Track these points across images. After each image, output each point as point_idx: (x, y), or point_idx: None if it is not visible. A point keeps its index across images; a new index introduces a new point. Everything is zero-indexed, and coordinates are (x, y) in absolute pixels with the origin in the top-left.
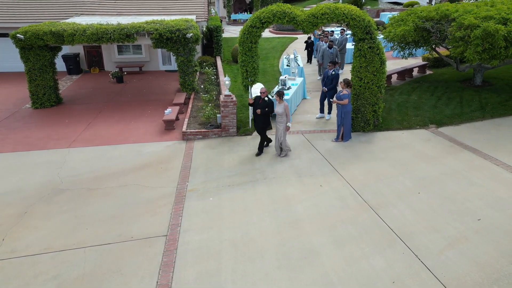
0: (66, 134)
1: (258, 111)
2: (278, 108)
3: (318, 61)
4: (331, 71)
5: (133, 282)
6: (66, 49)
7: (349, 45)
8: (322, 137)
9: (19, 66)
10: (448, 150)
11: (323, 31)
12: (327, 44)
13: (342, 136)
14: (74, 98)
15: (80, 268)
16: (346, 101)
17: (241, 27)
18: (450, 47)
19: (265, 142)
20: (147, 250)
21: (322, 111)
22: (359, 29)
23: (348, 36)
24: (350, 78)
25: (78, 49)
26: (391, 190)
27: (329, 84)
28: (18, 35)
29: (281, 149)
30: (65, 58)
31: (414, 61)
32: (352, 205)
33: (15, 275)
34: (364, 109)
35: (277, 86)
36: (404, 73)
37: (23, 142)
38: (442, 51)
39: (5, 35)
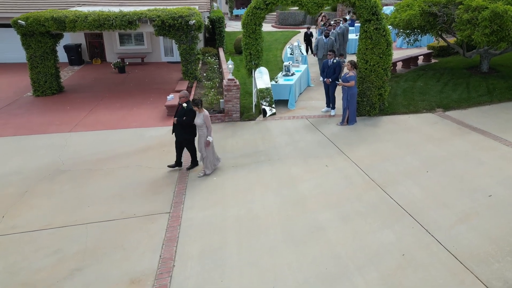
0: (67, 119)
1: (174, 119)
2: (197, 119)
3: (314, 53)
4: (331, 60)
5: (136, 256)
6: (68, 40)
7: (352, 35)
8: (327, 121)
9: (20, 57)
10: (456, 132)
11: (328, 23)
12: (331, 32)
13: (347, 119)
14: (76, 87)
15: (82, 243)
16: (352, 83)
17: None
18: (456, 30)
19: (191, 161)
20: (150, 226)
21: (328, 104)
22: (364, 9)
23: (348, 24)
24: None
25: (80, 39)
26: (398, 169)
27: (332, 75)
28: (19, 21)
29: (206, 165)
30: (67, 48)
31: (419, 51)
32: (359, 183)
33: (15, 250)
34: (370, 93)
35: (280, 72)
36: (409, 61)
37: (25, 127)
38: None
39: (7, 25)
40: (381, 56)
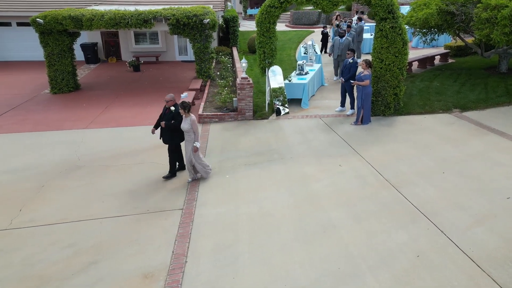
0: (83, 116)
1: (162, 123)
2: (184, 124)
3: (329, 53)
4: (349, 59)
5: (149, 251)
6: (85, 39)
7: (367, 35)
8: (340, 121)
9: (38, 55)
10: (473, 133)
11: (345, 23)
12: (348, 33)
13: (362, 119)
14: (92, 85)
15: (96, 237)
16: (367, 82)
17: None
18: (475, 29)
19: (177, 165)
20: (163, 222)
21: (343, 104)
22: (380, 8)
23: (364, 23)
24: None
25: (96, 38)
26: (413, 170)
27: (347, 74)
28: (37, 19)
29: (194, 171)
30: (84, 47)
31: (435, 51)
32: (373, 183)
33: (33, 242)
34: (385, 92)
35: (294, 71)
36: (425, 61)
37: (42, 123)
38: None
39: (25, 24)
40: (396, 55)
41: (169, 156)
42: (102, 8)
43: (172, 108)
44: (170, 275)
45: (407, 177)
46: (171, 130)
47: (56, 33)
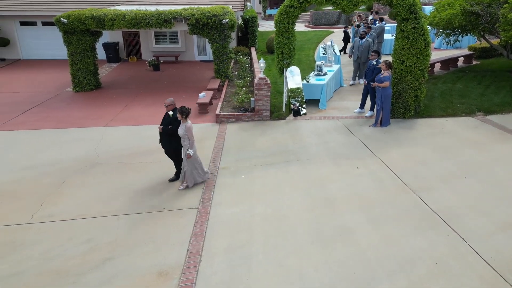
0: (104, 114)
1: (160, 128)
2: (179, 129)
3: (349, 55)
4: (373, 61)
5: (164, 249)
6: (107, 38)
7: (388, 35)
8: (359, 122)
9: (62, 54)
10: (497, 137)
11: (362, 24)
12: (368, 35)
13: (381, 121)
14: (113, 83)
15: (113, 233)
16: (387, 83)
17: None
18: (500, 31)
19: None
20: (178, 220)
21: (362, 106)
22: (402, 8)
23: (385, 24)
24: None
25: (118, 38)
26: (433, 174)
27: (369, 76)
28: (61, 19)
29: (185, 178)
30: (105, 46)
31: (459, 52)
32: (391, 187)
33: (51, 237)
34: (405, 94)
35: (312, 72)
36: (448, 63)
37: (64, 121)
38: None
39: (50, 23)
40: (418, 56)
41: (173, 160)
42: (123, 8)
43: (170, 112)
44: (184, 273)
45: (427, 182)
46: (168, 135)
47: (79, 32)
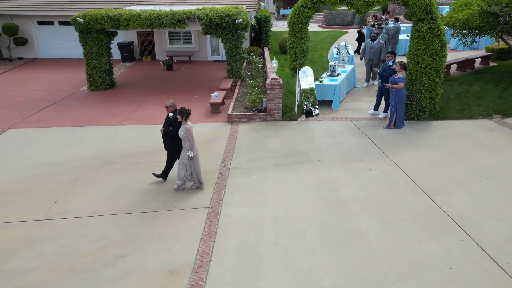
0: (117, 113)
1: (161, 130)
2: (180, 131)
3: (360, 57)
4: (389, 62)
5: (175, 248)
6: (121, 38)
7: (403, 36)
8: (372, 124)
9: (78, 53)
10: None
11: (377, 23)
12: (380, 36)
13: (395, 123)
14: (127, 82)
15: (125, 231)
16: (401, 84)
17: None
18: None
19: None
20: (189, 220)
21: (376, 107)
22: (418, 8)
23: (400, 24)
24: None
25: (132, 37)
26: (448, 178)
27: (384, 77)
28: (78, 19)
29: (181, 182)
30: (120, 46)
31: (476, 53)
32: (404, 190)
33: (65, 234)
34: (420, 96)
35: (326, 72)
36: (465, 64)
37: (79, 119)
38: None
39: (67, 23)
40: (434, 57)
41: (168, 160)
42: (138, 8)
43: (171, 114)
44: (195, 273)
45: (442, 185)
46: (169, 136)
47: (95, 32)
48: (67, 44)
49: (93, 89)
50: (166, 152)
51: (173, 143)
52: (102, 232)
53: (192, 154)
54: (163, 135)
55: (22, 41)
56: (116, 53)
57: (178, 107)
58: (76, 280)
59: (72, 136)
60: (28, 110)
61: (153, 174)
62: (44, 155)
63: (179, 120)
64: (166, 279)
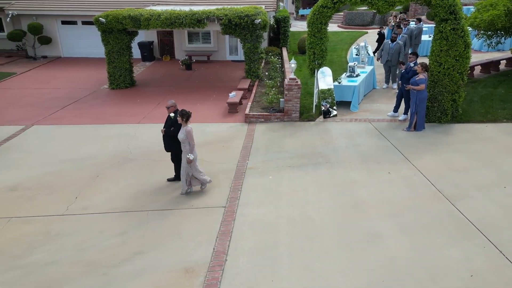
0: (137, 111)
1: (162, 130)
2: (180, 133)
3: (377, 58)
4: (411, 63)
5: (191, 246)
6: (142, 37)
7: (425, 36)
8: (392, 126)
9: (99, 52)
10: None
11: (398, 24)
12: (399, 37)
13: (415, 125)
14: (147, 81)
15: (143, 228)
16: (422, 86)
17: None
18: None
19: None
20: (205, 218)
21: (396, 109)
22: (441, 8)
23: (422, 25)
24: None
25: (153, 37)
26: (470, 182)
27: (405, 78)
28: (100, 18)
29: (188, 183)
30: (141, 45)
31: (501, 55)
32: (424, 194)
33: (85, 229)
34: (442, 98)
35: (344, 73)
36: (489, 66)
37: (100, 117)
38: None
39: (89, 23)
40: (457, 58)
41: (173, 162)
42: (159, 8)
43: (172, 114)
44: (210, 272)
45: (463, 190)
46: (169, 137)
47: (116, 31)
48: (89, 43)
49: (113, 88)
50: (170, 153)
51: (173, 143)
52: (120, 228)
53: (192, 157)
54: (164, 136)
55: (46, 40)
56: (136, 53)
57: (197, 106)
58: (95, 275)
59: (93, 133)
60: (51, 108)
61: (168, 180)
62: (66, 152)
63: (179, 122)
64: (182, 277)
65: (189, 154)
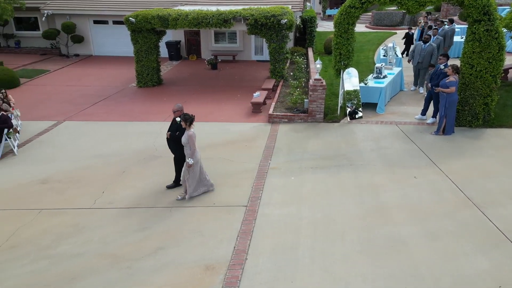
0: (163, 109)
1: (168, 134)
2: (182, 137)
3: (408, 59)
4: (441, 65)
5: (212, 244)
6: (169, 37)
7: (457, 38)
8: (420, 129)
9: (128, 51)
10: None
11: (430, 25)
12: (433, 38)
13: (444, 129)
14: (173, 80)
15: (166, 225)
16: (452, 89)
17: None
18: None
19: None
20: (227, 217)
21: (424, 112)
22: (474, 8)
23: (455, 26)
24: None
25: (180, 37)
26: (501, 189)
27: (435, 80)
28: (130, 18)
29: (186, 188)
30: (168, 45)
31: None
32: (451, 200)
33: (110, 223)
34: (473, 101)
35: (371, 74)
36: None
37: (127, 114)
38: None
39: (119, 22)
40: (490, 61)
41: (175, 166)
42: (186, 8)
43: (178, 119)
44: (230, 270)
45: (493, 197)
46: (175, 141)
47: (145, 31)
48: (119, 42)
49: (141, 86)
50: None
51: (178, 147)
52: (144, 223)
53: (192, 161)
54: (168, 140)
55: (78, 39)
56: (164, 52)
57: (222, 106)
58: (118, 268)
59: (120, 130)
60: (82, 104)
61: (167, 187)
62: (95, 148)
63: (183, 126)
64: (202, 274)
65: (189, 159)
